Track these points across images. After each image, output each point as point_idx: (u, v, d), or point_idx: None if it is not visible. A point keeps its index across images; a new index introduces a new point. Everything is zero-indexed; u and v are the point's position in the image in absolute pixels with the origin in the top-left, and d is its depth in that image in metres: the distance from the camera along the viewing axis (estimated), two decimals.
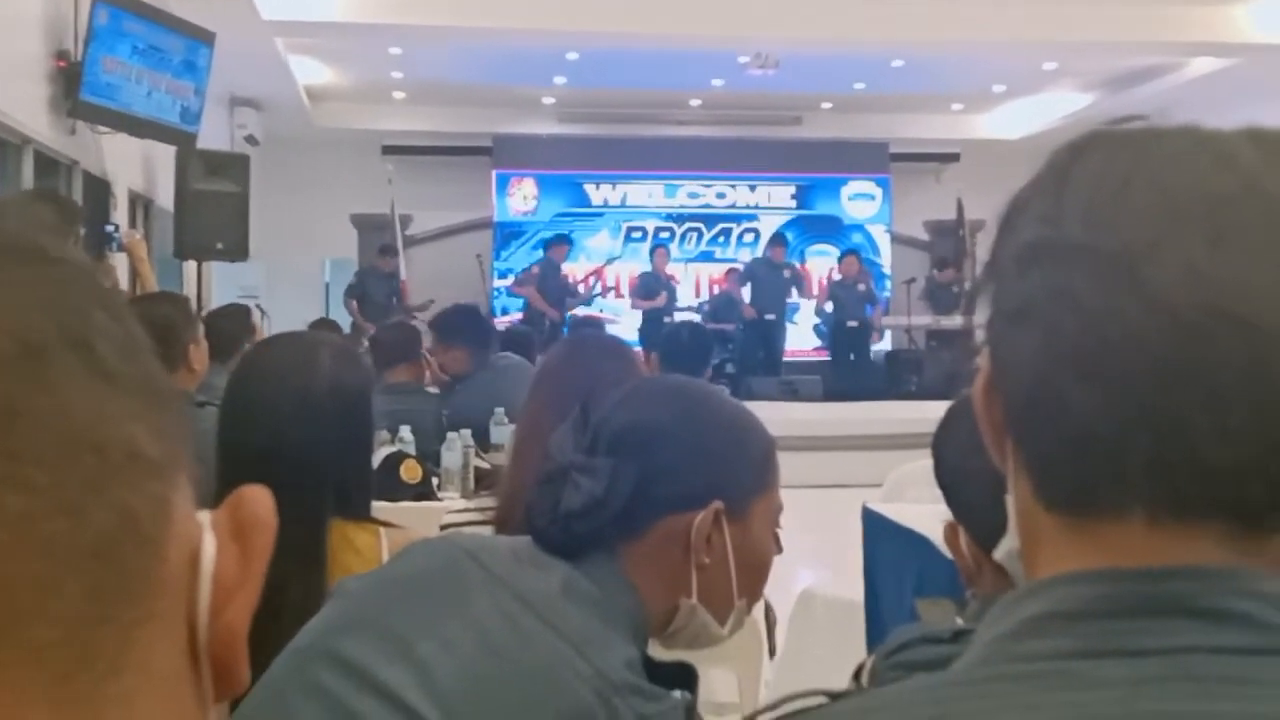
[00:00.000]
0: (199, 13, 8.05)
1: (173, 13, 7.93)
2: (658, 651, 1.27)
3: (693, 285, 14.42)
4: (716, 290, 13.95)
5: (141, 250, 6.61)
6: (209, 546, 0.42)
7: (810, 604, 3.51)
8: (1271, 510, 0.57)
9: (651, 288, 13.02)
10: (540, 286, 12.56)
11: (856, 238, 15.10)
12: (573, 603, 1.19)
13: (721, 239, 15.29)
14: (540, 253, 13.50)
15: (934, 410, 1.55)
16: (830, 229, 15.32)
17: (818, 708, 0.68)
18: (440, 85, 13.18)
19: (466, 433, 4.06)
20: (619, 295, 13.66)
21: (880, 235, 15.39)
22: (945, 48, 11.13)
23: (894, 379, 12.90)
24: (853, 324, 12.92)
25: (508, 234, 14.94)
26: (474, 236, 14.80)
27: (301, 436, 1.81)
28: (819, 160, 15.06)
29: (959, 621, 1.25)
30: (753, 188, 15.37)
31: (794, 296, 13.34)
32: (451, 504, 3.25)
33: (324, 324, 7.60)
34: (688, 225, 15.24)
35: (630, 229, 15.06)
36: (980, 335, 0.65)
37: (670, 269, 13.60)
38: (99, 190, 7.80)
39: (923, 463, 1.55)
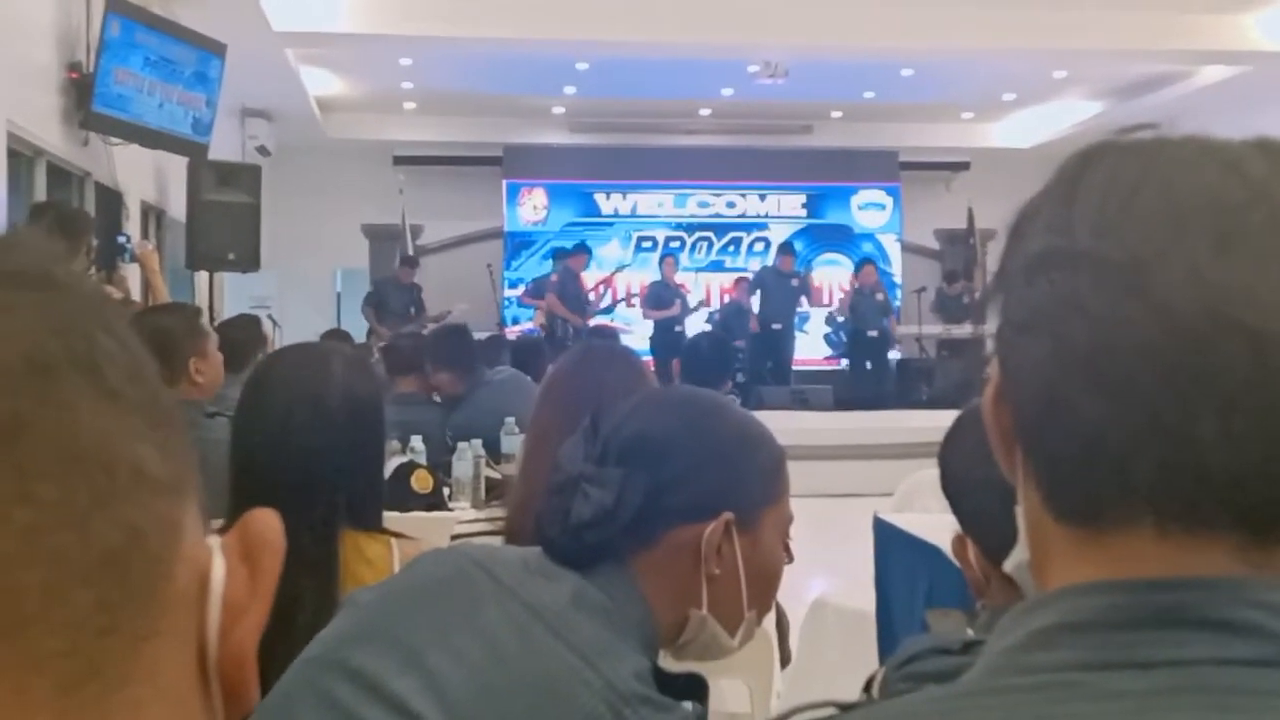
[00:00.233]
0: (210, 24, 8.09)
1: (184, 24, 7.97)
2: (668, 662, 1.27)
3: (703, 294, 14.42)
4: (727, 299, 13.94)
5: (154, 261, 6.63)
6: (218, 568, 0.42)
7: (822, 613, 3.51)
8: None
9: (663, 297, 13.03)
10: (560, 294, 12.57)
11: (867, 247, 15.09)
12: (583, 613, 1.19)
13: (731, 248, 15.30)
14: (550, 263, 13.50)
15: (945, 419, 1.55)
16: (840, 238, 15.32)
17: (828, 719, 0.68)
18: (451, 95, 13.21)
19: (477, 443, 4.06)
20: (629, 305, 13.67)
21: (890, 244, 15.38)
22: (955, 56, 11.12)
23: (905, 388, 12.89)
24: (873, 333, 12.91)
25: (518, 244, 14.97)
26: (484, 246, 14.82)
27: (312, 447, 1.81)
28: (829, 169, 15.06)
29: (970, 633, 1.25)
30: (763, 197, 15.37)
31: (804, 306, 13.33)
32: (462, 514, 3.25)
33: (335, 334, 7.61)
34: (698, 234, 15.24)
35: (640, 238, 15.08)
36: (990, 345, 0.65)
37: (680, 278, 13.60)
38: (111, 201, 7.84)
39: (933, 472, 1.54)
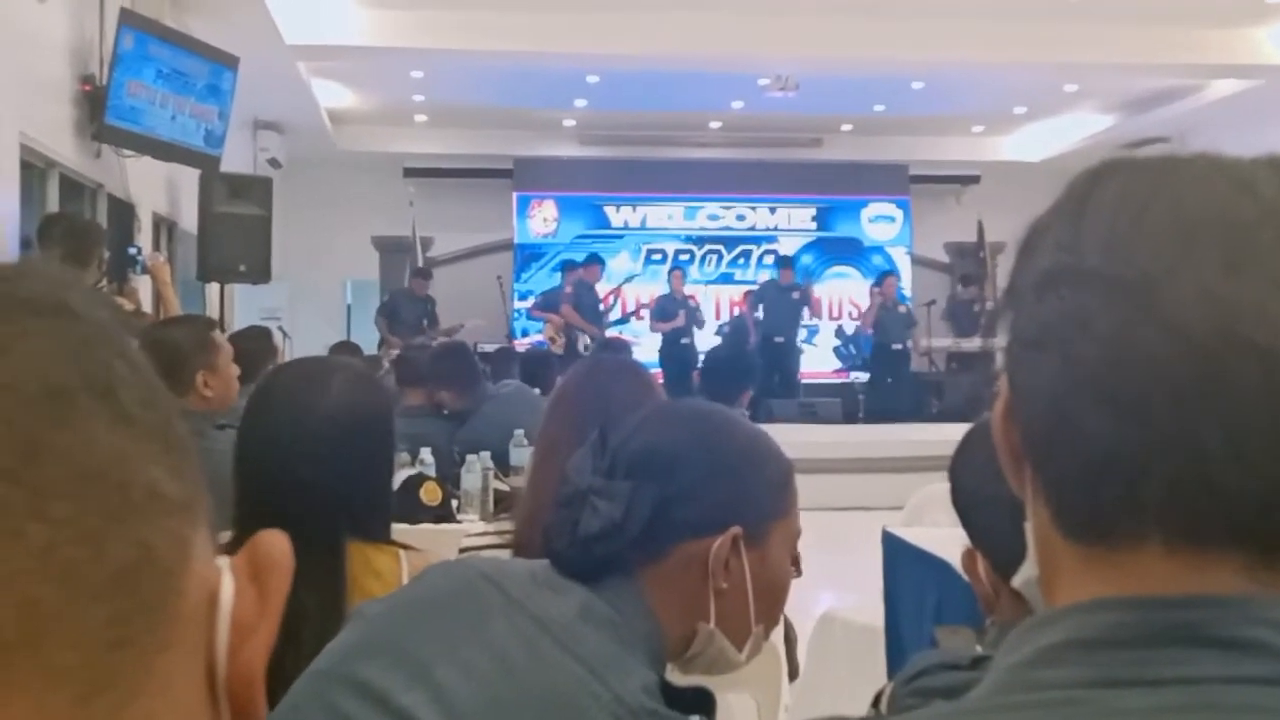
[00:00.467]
0: (223, 37, 8.12)
1: (197, 37, 8.01)
2: (675, 676, 1.27)
3: (713, 307, 14.42)
4: (736, 312, 13.95)
5: (165, 273, 6.65)
6: (227, 587, 0.43)
7: (830, 627, 3.50)
8: None
9: (669, 310, 13.02)
10: (576, 305, 12.57)
11: (877, 260, 15.10)
12: (590, 626, 1.19)
13: (741, 261, 15.31)
14: (559, 275, 13.50)
15: (955, 433, 1.55)
16: (850, 251, 15.33)
17: None
18: (461, 108, 13.26)
19: (486, 455, 4.06)
20: (639, 317, 13.70)
21: (900, 257, 15.37)
22: (965, 69, 11.13)
23: (915, 402, 12.86)
24: (897, 346, 12.89)
25: (528, 256, 15.00)
26: (495, 258, 14.86)
27: (310, 462, 1.81)
28: (839, 182, 15.07)
29: (979, 648, 1.24)
30: (773, 210, 15.39)
31: (807, 318, 13.32)
32: (471, 526, 3.25)
33: (344, 346, 7.62)
34: (708, 247, 15.26)
35: (650, 251, 15.10)
36: (999, 360, 0.64)
37: (689, 290, 13.60)
38: (123, 213, 7.87)
39: (943, 486, 1.54)
